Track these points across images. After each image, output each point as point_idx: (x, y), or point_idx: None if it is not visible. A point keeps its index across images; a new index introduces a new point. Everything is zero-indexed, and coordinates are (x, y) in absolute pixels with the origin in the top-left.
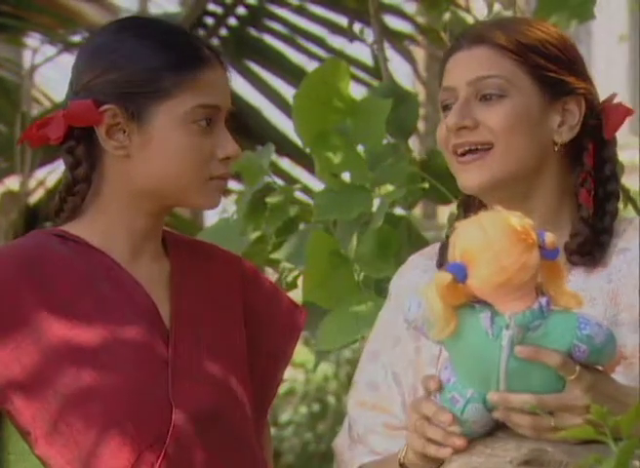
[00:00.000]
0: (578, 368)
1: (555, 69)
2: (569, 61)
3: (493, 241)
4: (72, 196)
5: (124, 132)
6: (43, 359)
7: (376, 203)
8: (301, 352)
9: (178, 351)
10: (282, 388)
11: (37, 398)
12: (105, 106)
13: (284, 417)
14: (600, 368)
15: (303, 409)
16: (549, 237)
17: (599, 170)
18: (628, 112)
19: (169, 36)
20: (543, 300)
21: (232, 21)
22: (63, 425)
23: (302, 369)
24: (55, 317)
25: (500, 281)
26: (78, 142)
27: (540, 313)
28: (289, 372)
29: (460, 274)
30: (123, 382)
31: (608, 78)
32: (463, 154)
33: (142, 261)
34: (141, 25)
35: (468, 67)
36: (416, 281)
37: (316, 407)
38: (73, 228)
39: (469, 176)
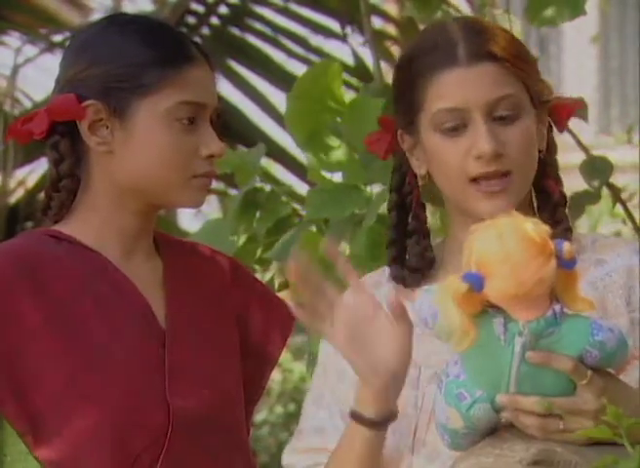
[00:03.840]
0: (589, 372)
1: (538, 79)
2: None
3: (511, 253)
4: (57, 192)
5: (107, 127)
6: (38, 361)
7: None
8: None
9: (174, 352)
10: None
11: (34, 400)
12: (88, 102)
13: (259, 417)
14: (611, 370)
15: (279, 409)
16: (567, 246)
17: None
18: (575, 108)
19: (154, 32)
20: (557, 308)
21: (214, 21)
22: (61, 427)
23: (279, 368)
24: (51, 319)
25: (516, 293)
26: (62, 137)
27: (553, 320)
28: None
29: (477, 284)
30: (119, 384)
31: (579, 78)
32: (488, 179)
33: (135, 261)
34: (128, 21)
35: (480, 87)
36: None
37: (292, 406)
38: (66, 228)
39: (495, 204)
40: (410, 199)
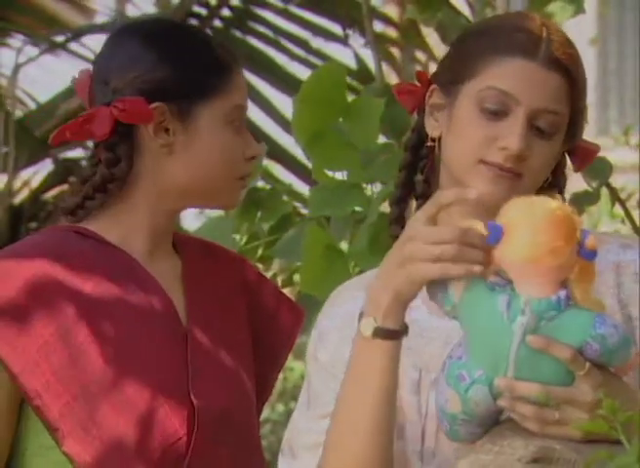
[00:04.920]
0: (588, 364)
1: (583, 114)
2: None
3: (536, 217)
4: (103, 193)
5: (167, 130)
6: (70, 356)
7: (370, 200)
8: None
9: (196, 350)
10: None
11: (65, 394)
12: (155, 104)
13: (261, 415)
14: (611, 369)
15: (280, 408)
16: (591, 239)
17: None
18: (595, 154)
19: (205, 37)
20: (563, 293)
21: (217, 23)
22: (90, 423)
23: None
24: (81, 314)
25: (528, 256)
26: (121, 139)
27: (556, 305)
28: None
29: (495, 234)
30: (147, 381)
31: None
32: (501, 170)
33: (157, 259)
34: (176, 27)
35: (541, 91)
36: (350, 312)
37: (293, 405)
38: (92, 225)
39: (500, 187)
40: (424, 162)
